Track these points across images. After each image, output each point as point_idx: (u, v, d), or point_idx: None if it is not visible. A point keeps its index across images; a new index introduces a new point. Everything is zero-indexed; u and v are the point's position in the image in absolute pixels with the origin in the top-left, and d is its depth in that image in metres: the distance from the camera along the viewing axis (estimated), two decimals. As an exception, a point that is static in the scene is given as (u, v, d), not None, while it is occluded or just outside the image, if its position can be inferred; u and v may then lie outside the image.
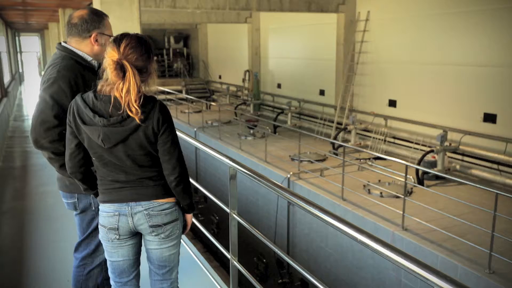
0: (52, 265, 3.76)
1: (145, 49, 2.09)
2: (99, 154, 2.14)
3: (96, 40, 2.45)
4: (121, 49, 2.04)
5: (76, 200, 2.56)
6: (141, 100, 2.05)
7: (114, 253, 2.29)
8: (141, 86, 2.08)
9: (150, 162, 2.18)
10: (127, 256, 2.33)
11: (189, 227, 2.46)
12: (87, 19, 2.44)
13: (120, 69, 2.03)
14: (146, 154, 2.15)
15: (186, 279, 3.53)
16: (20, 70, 31.91)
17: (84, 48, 2.45)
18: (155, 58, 2.21)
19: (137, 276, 2.43)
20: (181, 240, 3.74)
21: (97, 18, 2.45)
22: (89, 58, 2.47)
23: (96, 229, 2.49)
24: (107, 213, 2.22)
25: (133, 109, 2.03)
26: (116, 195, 2.20)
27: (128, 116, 2.05)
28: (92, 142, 2.11)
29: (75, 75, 2.36)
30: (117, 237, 2.24)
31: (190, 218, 2.45)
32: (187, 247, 3.70)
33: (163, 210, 2.24)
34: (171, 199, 2.27)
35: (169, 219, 2.26)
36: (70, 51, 2.45)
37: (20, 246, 4.19)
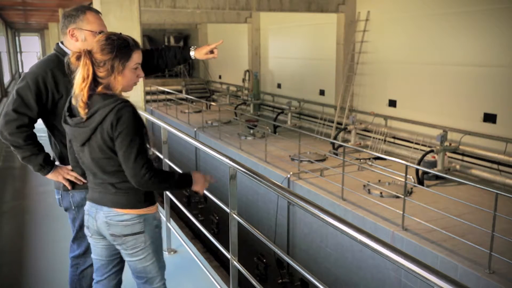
0: (52, 265, 3.76)
1: (110, 45, 2.02)
2: (77, 153, 2.19)
3: (73, 35, 2.46)
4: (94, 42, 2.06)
5: (60, 196, 2.61)
6: (93, 97, 1.99)
7: (92, 250, 2.35)
8: (100, 83, 2.02)
9: (113, 168, 2.09)
10: (100, 256, 2.35)
11: (198, 188, 2.29)
12: (66, 15, 2.48)
13: (77, 57, 2.00)
14: (107, 158, 2.07)
15: (186, 279, 3.53)
16: (20, 70, 31.93)
17: (68, 44, 2.49)
18: (135, 64, 2.09)
19: (111, 278, 2.40)
20: (183, 241, 3.73)
21: (74, 13, 2.46)
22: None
23: (81, 228, 2.50)
24: (85, 210, 2.28)
25: (81, 104, 1.99)
26: (90, 194, 2.24)
27: (92, 115, 2.00)
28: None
29: (45, 72, 2.39)
30: (90, 235, 2.28)
31: (197, 186, 2.28)
32: (187, 247, 3.70)
33: (122, 221, 2.14)
34: (134, 211, 2.15)
35: (129, 231, 2.15)
36: (59, 48, 2.51)
37: (20, 246, 4.19)
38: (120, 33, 2.13)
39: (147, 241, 2.19)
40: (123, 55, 2.03)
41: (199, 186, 2.27)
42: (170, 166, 3.84)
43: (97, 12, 2.54)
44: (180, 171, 2.88)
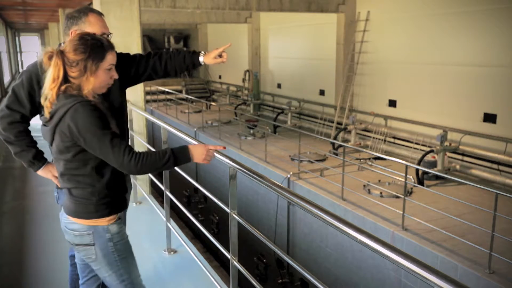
0: (52, 265, 3.76)
1: (83, 44, 1.98)
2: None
3: None
4: (66, 42, 2.05)
5: (57, 194, 2.64)
6: (59, 96, 1.95)
7: None
8: (72, 83, 1.98)
9: (69, 172, 2.04)
10: (77, 258, 2.35)
11: (200, 160, 2.13)
12: (68, 16, 2.52)
13: (49, 57, 1.97)
14: (66, 160, 2.02)
15: (186, 279, 3.54)
16: (20, 70, 31.93)
17: None
18: (109, 65, 2.05)
19: (90, 283, 2.37)
20: (183, 241, 3.73)
21: (77, 15, 2.49)
22: None
23: None
24: None
25: (48, 104, 1.96)
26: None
27: (52, 115, 1.97)
28: None
29: (40, 70, 2.42)
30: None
31: (198, 158, 2.12)
32: (187, 247, 3.70)
33: (73, 230, 2.10)
34: (82, 221, 2.06)
35: (79, 242, 2.10)
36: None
37: (20, 246, 4.19)
38: (95, 34, 2.11)
39: (98, 254, 2.10)
40: (96, 55, 2.00)
41: (200, 157, 2.12)
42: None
43: (99, 13, 2.55)
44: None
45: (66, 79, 1.98)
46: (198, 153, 2.12)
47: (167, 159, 2.01)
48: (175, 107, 16.45)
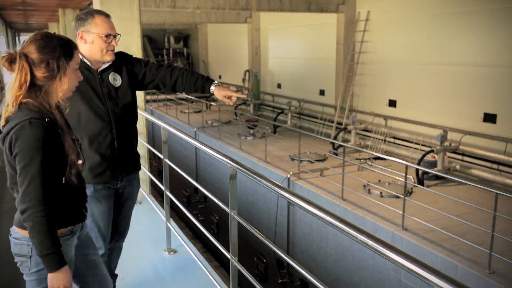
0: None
1: (51, 42, 1.84)
2: None
3: (82, 38, 2.54)
4: (24, 43, 1.83)
5: None
6: (19, 106, 1.78)
7: None
8: (39, 88, 1.82)
9: (13, 182, 1.90)
10: None
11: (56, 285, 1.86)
12: (77, 19, 2.56)
13: (10, 61, 1.79)
14: (10, 171, 1.88)
15: (186, 279, 3.54)
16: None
17: (79, 47, 2.53)
18: (77, 64, 1.94)
19: None
20: (183, 241, 3.72)
21: (83, 17, 2.54)
22: (80, 56, 2.52)
23: None
24: None
25: (4, 114, 1.80)
26: None
27: (4, 126, 1.82)
28: None
29: None
30: None
31: (51, 279, 1.85)
32: (187, 247, 3.70)
33: (14, 238, 1.98)
34: (22, 231, 1.93)
35: (16, 251, 1.98)
36: None
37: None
38: (54, 33, 1.97)
39: (32, 268, 1.95)
40: (67, 53, 1.87)
41: (53, 281, 1.86)
42: (164, 169, 3.84)
43: (106, 15, 2.59)
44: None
45: (32, 83, 1.81)
46: (57, 279, 1.86)
47: (49, 246, 1.81)
48: (175, 107, 16.45)
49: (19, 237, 1.97)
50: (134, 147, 2.79)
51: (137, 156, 2.86)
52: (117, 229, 2.83)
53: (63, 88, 1.87)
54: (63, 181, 1.92)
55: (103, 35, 2.50)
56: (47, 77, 1.83)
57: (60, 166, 1.88)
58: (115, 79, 2.64)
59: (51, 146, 1.81)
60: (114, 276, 2.92)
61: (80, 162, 1.99)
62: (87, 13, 2.55)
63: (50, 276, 1.85)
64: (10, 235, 2.02)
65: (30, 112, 1.79)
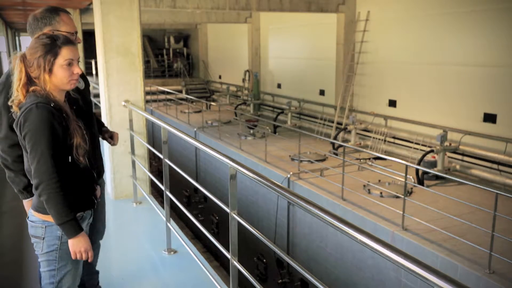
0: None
1: (36, 44, 2.09)
2: None
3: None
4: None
5: None
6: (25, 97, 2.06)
7: None
8: (35, 83, 2.09)
9: (28, 167, 2.14)
10: None
11: (73, 255, 2.15)
12: (38, 17, 2.49)
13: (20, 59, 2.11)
14: (26, 157, 2.12)
15: (186, 279, 3.54)
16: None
17: None
18: (65, 60, 2.09)
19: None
20: (183, 241, 3.73)
21: (49, 15, 2.48)
22: None
23: None
24: None
25: (16, 102, 2.08)
26: None
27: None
28: None
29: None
30: None
31: (72, 245, 2.13)
32: (187, 247, 3.70)
33: (31, 221, 2.21)
34: (38, 215, 2.16)
35: (32, 233, 2.21)
36: None
37: (20, 246, 4.18)
38: (53, 32, 2.19)
39: (44, 249, 2.19)
40: (48, 52, 2.07)
41: (76, 248, 2.13)
42: (164, 167, 3.84)
43: (68, 12, 2.57)
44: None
45: (31, 80, 2.09)
46: (77, 243, 2.12)
47: (66, 214, 2.05)
48: (175, 107, 16.45)
49: (35, 220, 2.18)
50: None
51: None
52: (95, 227, 2.80)
53: (46, 84, 2.08)
54: (69, 160, 2.11)
55: (73, 33, 2.49)
56: (36, 75, 2.09)
57: (66, 146, 2.09)
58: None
59: (56, 126, 2.04)
60: (96, 273, 2.92)
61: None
62: (50, 11, 2.52)
63: (70, 242, 2.11)
64: (28, 218, 2.24)
65: (37, 98, 2.05)
